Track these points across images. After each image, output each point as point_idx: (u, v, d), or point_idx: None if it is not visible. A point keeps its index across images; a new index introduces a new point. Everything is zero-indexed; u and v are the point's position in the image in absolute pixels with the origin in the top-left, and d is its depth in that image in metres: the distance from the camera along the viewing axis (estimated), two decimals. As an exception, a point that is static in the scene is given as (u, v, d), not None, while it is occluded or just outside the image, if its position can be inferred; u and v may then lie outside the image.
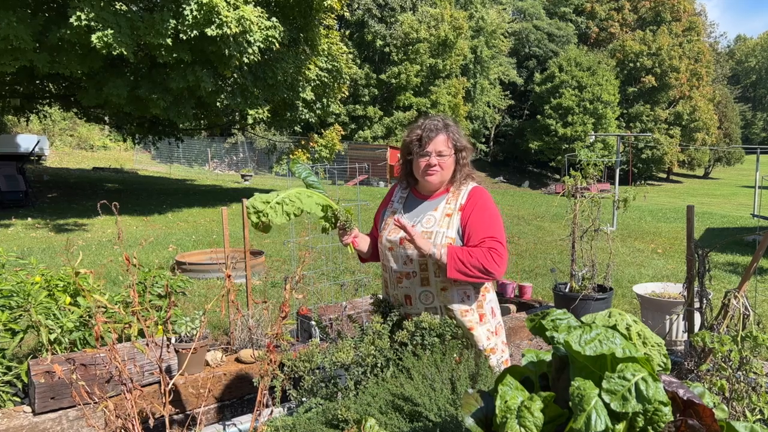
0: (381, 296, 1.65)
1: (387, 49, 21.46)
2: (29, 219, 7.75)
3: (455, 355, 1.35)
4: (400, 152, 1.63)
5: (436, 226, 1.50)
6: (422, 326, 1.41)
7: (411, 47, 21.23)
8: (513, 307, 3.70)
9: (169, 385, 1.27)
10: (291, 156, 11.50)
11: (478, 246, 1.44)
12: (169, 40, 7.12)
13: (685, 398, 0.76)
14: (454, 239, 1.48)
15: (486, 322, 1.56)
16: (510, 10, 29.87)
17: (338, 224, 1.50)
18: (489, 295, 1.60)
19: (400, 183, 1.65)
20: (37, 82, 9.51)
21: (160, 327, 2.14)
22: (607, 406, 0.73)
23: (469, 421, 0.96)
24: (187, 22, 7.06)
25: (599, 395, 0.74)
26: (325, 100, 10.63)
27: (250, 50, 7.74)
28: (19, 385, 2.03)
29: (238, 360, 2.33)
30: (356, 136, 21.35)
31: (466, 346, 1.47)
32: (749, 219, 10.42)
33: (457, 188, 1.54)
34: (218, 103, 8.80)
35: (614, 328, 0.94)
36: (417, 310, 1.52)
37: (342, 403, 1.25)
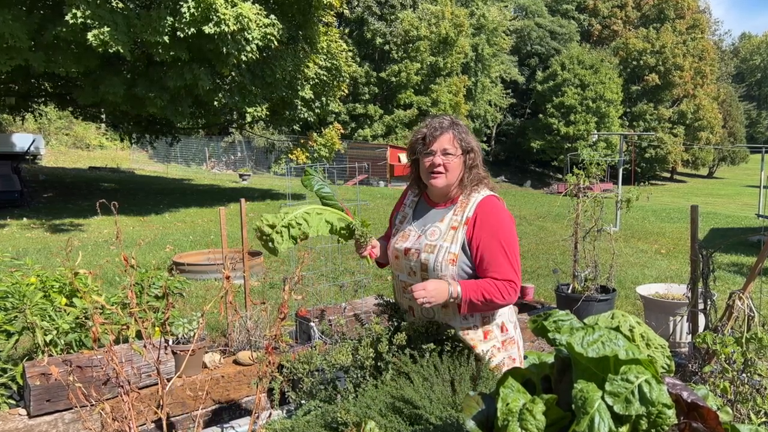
0: (388, 299, 1.61)
1: (387, 47, 21.43)
2: (25, 219, 7.73)
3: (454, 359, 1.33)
4: (406, 154, 1.57)
5: (440, 240, 1.43)
6: (419, 330, 1.39)
7: (411, 45, 21.20)
8: (515, 308, 3.68)
9: (167, 388, 1.25)
10: (290, 155, 11.46)
11: (492, 279, 1.37)
12: (166, 38, 7.09)
13: (689, 401, 0.75)
14: (458, 255, 1.41)
15: (491, 339, 1.48)
16: (511, 8, 29.82)
17: (354, 238, 1.46)
18: (499, 309, 1.50)
19: (411, 187, 1.58)
20: (33, 80, 9.48)
21: (157, 329, 2.12)
22: (610, 408, 0.72)
23: (470, 424, 0.94)
24: (184, 20, 7.03)
25: (602, 398, 0.73)
26: (324, 99, 10.60)
27: (248, 48, 7.72)
28: (15, 388, 2.02)
29: (236, 362, 2.32)
30: (356, 134, 21.33)
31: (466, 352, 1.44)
32: (754, 219, 10.34)
33: (466, 197, 1.45)
34: (216, 102, 8.78)
35: (617, 329, 0.92)
36: (419, 322, 1.48)
37: (341, 406, 1.24)
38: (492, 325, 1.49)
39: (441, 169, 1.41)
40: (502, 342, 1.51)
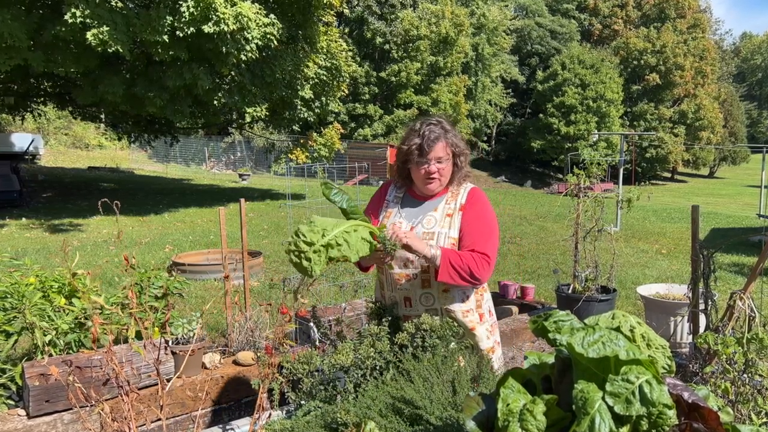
0: (374, 297, 1.63)
1: (387, 47, 21.42)
2: (24, 219, 7.71)
3: (458, 357, 1.33)
4: (396, 155, 1.61)
5: (437, 227, 1.49)
6: (423, 328, 1.38)
7: (411, 44, 21.18)
8: (515, 309, 3.67)
9: (167, 388, 1.25)
10: (290, 155, 11.43)
11: (470, 251, 1.45)
12: (165, 38, 7.08)
13: (689, 401, 0.75)
14: (456, 239, 1.48)
15: (485, 322, 1.58)
16: (512, 7, 29.77)
17: (382, 249, 1.33)
18: (486, 294, 1.61)
19: (395, 182, 1.63)
20: (32, 80, 9.45)
21: (156, 329, 2.12)
22: (610, 409, 0.72)
23: (471, 425, 0.94)
24: (184, 19, 7.01)
25: (603, 398, 0.73)
26: (324, 99, 10.59)
27: (247, 48, 7.70)
28: (13, 388, 2.01)
29: (235, 362, 2.31)
30: (356, 134, 21.32)
31: (467, 346, 1.45)
32: (755, 219, 10.32)
33: (456, 188, 1.55)
34: (215, 102, 8.77)
35: (618, 329, 0.92)
36: (417, 312, 1.50)
37: (341, 407, 1.23)
38: (483, 309, 1.57)
39: (436, 175, 1.50)
40: (491, 325, 1.60)
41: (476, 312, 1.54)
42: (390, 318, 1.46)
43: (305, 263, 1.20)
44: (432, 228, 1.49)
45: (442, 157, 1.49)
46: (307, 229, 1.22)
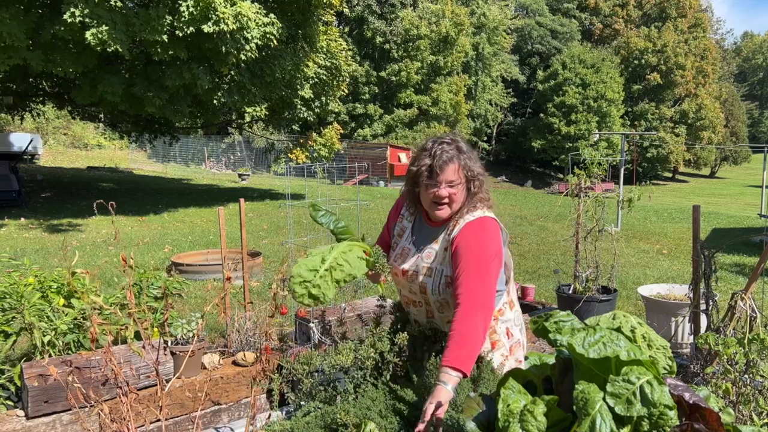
0: (392, 300, 1.61)
1: (387, 46, 21.43)
2: (22, 219, 7.70)
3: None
4: (405, 179, 1.50)
5: (436, 263, 1.41)
6: (426, 334, 1.38)
7: (411, 44, 21.19)
8: (520, 312, 3.65)
9: (166, 389, 1.24)
10: (289, 155, 11.43)
11: (460, 324, 1.25)
12: (165, 37, 7.07)
13: (691, 402, 0.74)
14: (452, 277, 1.36)
15: (499, 347, 1.47)
16: (512, 6, 29.75)
17: (370, 268, 1.36)
18: (503, 316, 1.49)
19: (408, 205, 1.51)
20: (31, 79, 9.44)
21: (155, 329, 2.11)
22: (611, 410, 0.72)
23: (471, 426, 0.93)
24: (183, 19, 7.00)
25: (604, 399, 0.73)
26: (324, 98, 10.59)
27: (247, 47, 7.69)
28: (12, 389, 2.01)
29: (235, 363, 2.30)
30: (356, 134, 21.31)
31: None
32: (756, 219, 10.32)
33: (460, 218, 1.40)
34: (215, 101, 8.76)
35: (619, 330, 0.92)
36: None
37: (341, 407, 1.23)
38: (498, 334, 1.48)
39: (446, 200, 1.38)
40: (510, 348, 1.50)
41: (488, 340, 1.42)
42: (400, 320, 1.45)
43: (314, 291, 1.24)
44: (431, 263, 1.40)
45: (454, 180, 1.35)
46: (306, 261, 1.27)
